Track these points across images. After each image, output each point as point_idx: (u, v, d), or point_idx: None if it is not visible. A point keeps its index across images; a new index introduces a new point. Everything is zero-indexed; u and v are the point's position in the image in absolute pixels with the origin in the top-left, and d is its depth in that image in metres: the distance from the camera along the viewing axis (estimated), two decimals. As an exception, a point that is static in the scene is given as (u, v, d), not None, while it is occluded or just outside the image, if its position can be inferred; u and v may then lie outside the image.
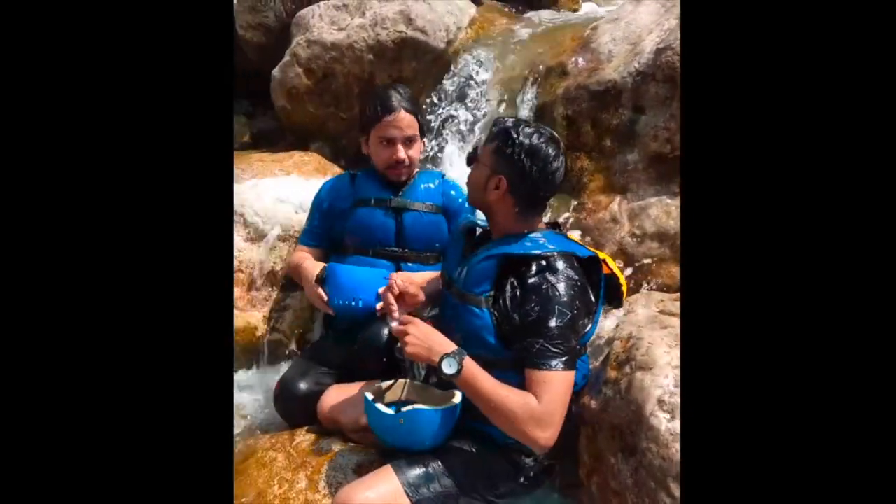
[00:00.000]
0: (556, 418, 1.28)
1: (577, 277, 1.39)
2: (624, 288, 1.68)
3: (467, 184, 1.52)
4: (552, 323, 1.31)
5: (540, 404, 1.27)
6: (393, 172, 1.88)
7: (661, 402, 1.31)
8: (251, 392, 2.09)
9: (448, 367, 1.32)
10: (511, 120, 1.46)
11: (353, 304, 1.72)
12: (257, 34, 2.92)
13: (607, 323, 1.72)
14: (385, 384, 1.56)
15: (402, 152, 1.84)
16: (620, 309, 1.77)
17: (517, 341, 1.35)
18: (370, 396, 1.47)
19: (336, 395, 1.74)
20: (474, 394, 1.32)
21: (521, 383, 1.32)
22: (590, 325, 1.46)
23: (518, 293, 1.36)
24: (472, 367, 1.32)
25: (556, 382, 1.29)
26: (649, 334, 1.47)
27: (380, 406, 1.44)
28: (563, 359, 1.31)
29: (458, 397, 1.43)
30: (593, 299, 1.46)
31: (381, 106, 1.83)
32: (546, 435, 1.27)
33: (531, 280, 1.35)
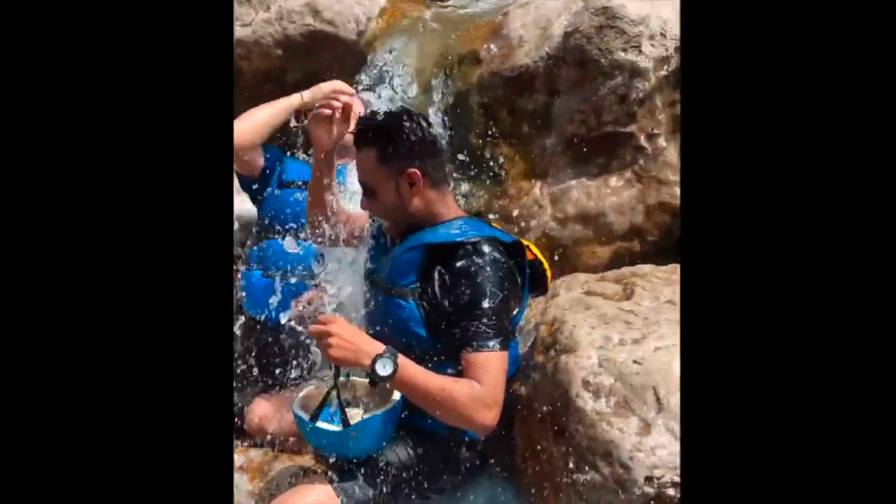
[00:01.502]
0: (499, 398, 1.29)
1: (503, 260, 1.39)
2: (549, 273, 1.69)
3: (379, 214, 1.48)
4: (485, 304, 1.31)
5: (483, 387, 1.27)
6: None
7: (585, 382, 1.31)
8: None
9: (383, 369, 1.23)
10: (362, 124, 1.41)
11: (266, 315, 1.70)
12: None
13: (535, 307, 1.72)
14: (310, 391, 1.47)
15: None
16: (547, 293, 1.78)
17: (450, 328, 1.34)
18: (304, 416, 1.36)
19: (264, 406, 1.68)
20: (413, 391, 1.27)
21: (456, 374, 1.31)
22: (517, 309, 1.46)
23: (447, 279, 1.35)
24: (407, 364, 1.27)
25: (495, 362, 1.30)
26: (573, 317, 1.48)
27: (323, 425, 1.35)
28: (499, 339, 1.31)
29: (396, 393, 1.38)
30: (520, 283, 1.46)
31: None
32: (491, 415, 1.28)
33: (459, 264, 1.34)
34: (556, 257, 1.97)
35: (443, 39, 2.33)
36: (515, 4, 2.24)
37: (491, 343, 1.29)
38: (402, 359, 1.27)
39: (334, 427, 1.34)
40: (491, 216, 2.02)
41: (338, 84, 1.93)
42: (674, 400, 1.22)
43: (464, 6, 2.72)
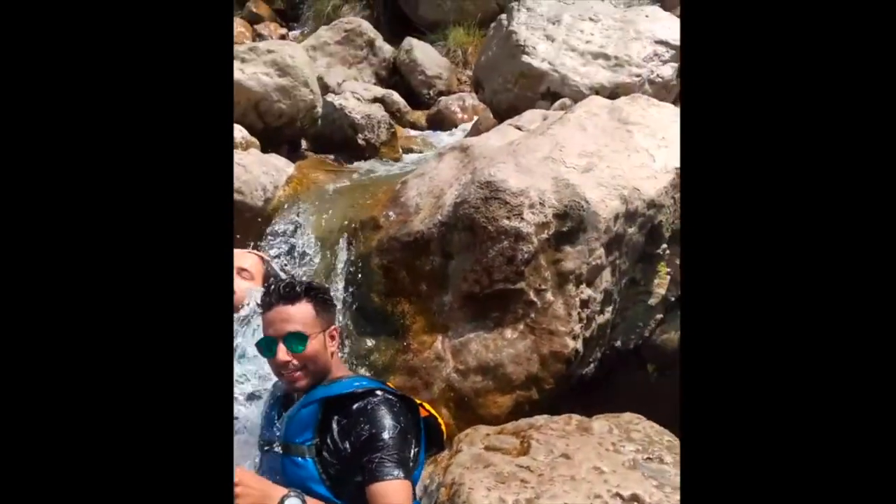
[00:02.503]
0: None
1: (397, 401, 1.46)
2: (443, 428, 1.73)
3: (306, 361, 1.48)
4: (385, 435, 1.37)
5: None
6: None
7: (483, 551, 1.32)
8: None
9: None
10: (281, 282, 1.57)
11: None
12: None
13: (439, 464, 1.73)
14: None
15: None
16: (452, 448, 1.80)
17: (351, 475, 1.37)
18: None
19: None
20: None
21: None
22: (415, 464, 1.47)
23: (345, 423, 1.41)
24: (312, 502, 1.31)
25: (400, 491, 1.33)
26: (470, 477, 1.50)
27: None
28: (402, 468, 1.35)
29: None
30: (413, 434, 1.48)
31: None
32: None
33: (356, 407, 1.42)
34: (459, 409, 2.02)
35: (346, 205, 2.51)
36: (412, 174, 2.48)
37: (395, 472, 1.33)
38: (309, 499, 1.30)
39: None
40: (393, 372, 2.08)
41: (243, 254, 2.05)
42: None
43: (370, 172, 2.97)
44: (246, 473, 1.32)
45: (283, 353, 1.46)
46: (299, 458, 1.42)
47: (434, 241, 2.13)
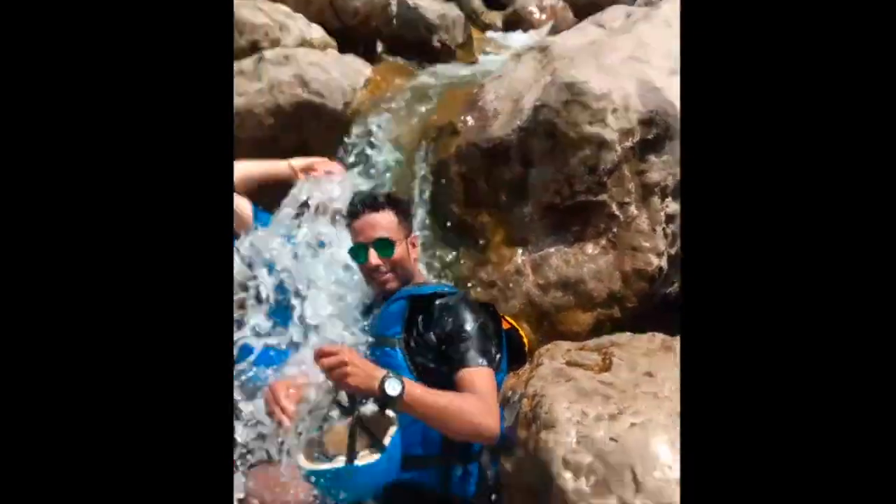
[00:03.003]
0: (496, 409, 1.40)
1: (479, 305, 1.56)
2: (526, 341, 1.72)
3: (393, 264, 1.63)
4: (468, 326, 1.47)
5: (480, 397, 1.37)
6: None
7: (565, 461, 1.32)
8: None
9: (392, 389, 1.27)
10: (365, 193, 1.73)
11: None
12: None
13: (520, 377, 1.73)
14: (307, 442, 1.39)
15: None
16: (532, 362, 1.80)
17: (436, 361, 1.46)
18: (331, 464, 1.31)
19: (262, 479, 1.66)
20: (421, 407, 1.31)
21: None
22: (499, 362, 1.52)
23: (430, 317, 1.52)
24: (410, 383, 1.33)
25: (485, 376, 1.41)
26: (552, 390, 1.49)
27: (362, 461, 1.29)
28: (486, 358, 1.44)
29: (392, 429, 1.35)
30: (496, 340, 1.56)
31: None
32: (494, 424, 1.36)
33: (439, 303, 1.53)
34: (539, 324, 2.00)
35: (425, 109, 2.42)
36: (490, 77, 2.34)
37: (479, 360, 1.42)
38: (405, 379, 1.31)
39: (374, 456, 1.30)
40: (473, 283, 2.07)
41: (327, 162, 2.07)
42: (650, 480, 1.23)
43: (449, 75, 2.83)
44: (353, 353, 1.32)
45: (373, 257, 1.61)
46: (389, 349, 1.52)
47: (513, 147, 2.03)
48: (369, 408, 1.37)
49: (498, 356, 1.53)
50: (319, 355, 1.28)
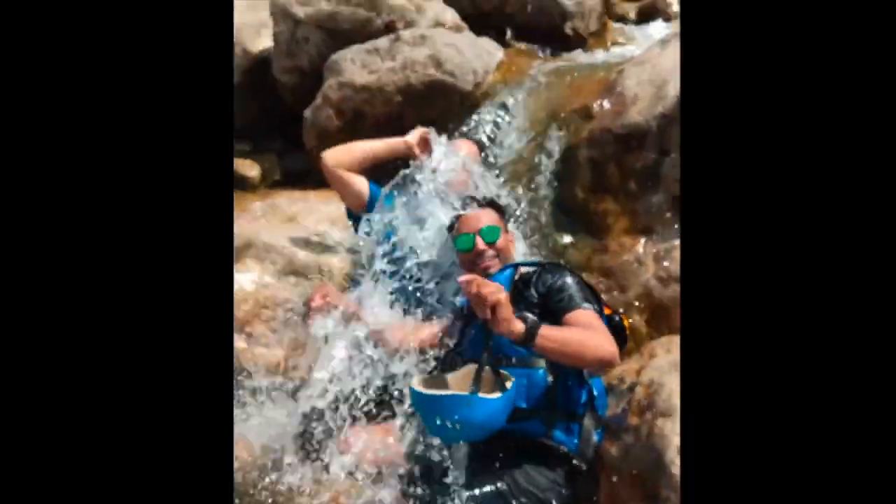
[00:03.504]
0: (611, 337, 1.46)
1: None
2: (626, 323, 1.69)
3: (502, 249, 1.75)
4: (569, 279, 1.57)
5: (595, 329, 1.45)
6: None
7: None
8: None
9: (532, 325, 1.36)
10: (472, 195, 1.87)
11: None
12: (292, 77, 3.03)
13: (630, 367, 1.69)
14: (424, 379, 1.52)
15: None
16: (643, 353, 1.75)
17: (542, 316, 1.47)
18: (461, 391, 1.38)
19: (356, 437, 1.74)
20: (553, 342, 1.37)
21: (548, 385, 1.49)
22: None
23: (534, 279, 1.62)
24: (542, 325, 1.39)
25: (592, 315, 1.49)
26: (671, 380, 1.44)
27: (486, 395, 1.36)
28: (590, 303, 1.52)
29: (510, 382, 1.41)
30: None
31: None
32: (615, 350, 1.42)
33: (540, 269, 1.65)
34: (654, 317, 1.93)
35: (556, 94, 2.40)
36: (631, 62, 2.28)
37: (585, 304, 1.50)
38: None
39: (495, 394, 1.36)
40: (589, 273, 2.03)
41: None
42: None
43: (581, 61, 2.79)
44: (496, 286, 1.38)
45: (480, 243, 1.73)
46: None
47: (651, 134, 1.97)
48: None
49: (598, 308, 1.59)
50: (476, 285, 1.33)
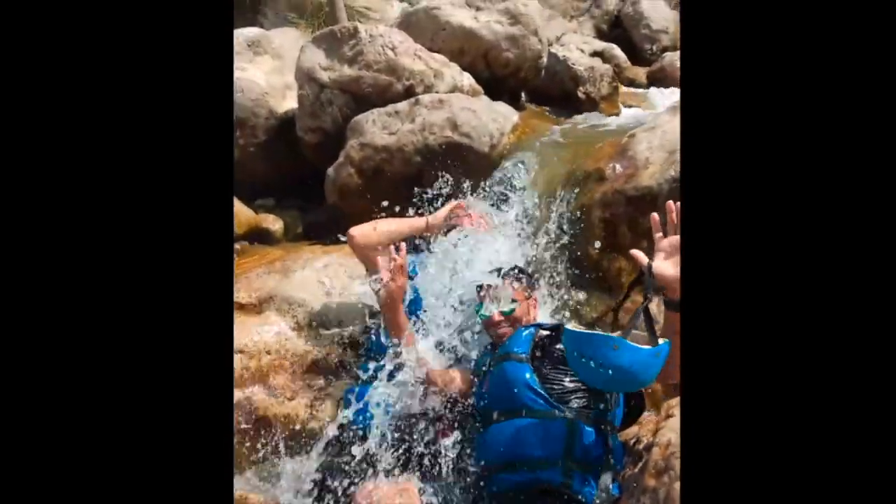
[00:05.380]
0: None
1: None
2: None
3: (517, 320, 1.86)
4: None
5: None
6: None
7: (700, 514, 1.27)
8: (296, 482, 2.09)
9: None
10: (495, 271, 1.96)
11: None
12: (315, 136, 3.16)
13: (647, 427, 1.70)
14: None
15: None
16: (661, 411, 1.76)
17: (559, 373, 1.65)
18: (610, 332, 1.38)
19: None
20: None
21: (567, 435, 1.57)
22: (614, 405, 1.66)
23: (554, 336, 1.73)
24: None
25: None
26: (688, 441, 1.45)
27: (633, 342, 1.31)
28: None
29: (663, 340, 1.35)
30: None
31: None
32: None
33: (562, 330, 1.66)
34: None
35: (569, 156, 2.49)
36: (642, 128, 2.37)
37: None
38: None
39: (644, 345, 1.32)
40: (602, 330, 2.06)
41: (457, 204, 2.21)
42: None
43: (591, 125, 2.90)
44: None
45: (496, 315, 1.86)
46: (517, 363, 1.69)
47: (662, 197, 2.03)
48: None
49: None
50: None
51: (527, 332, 1.79)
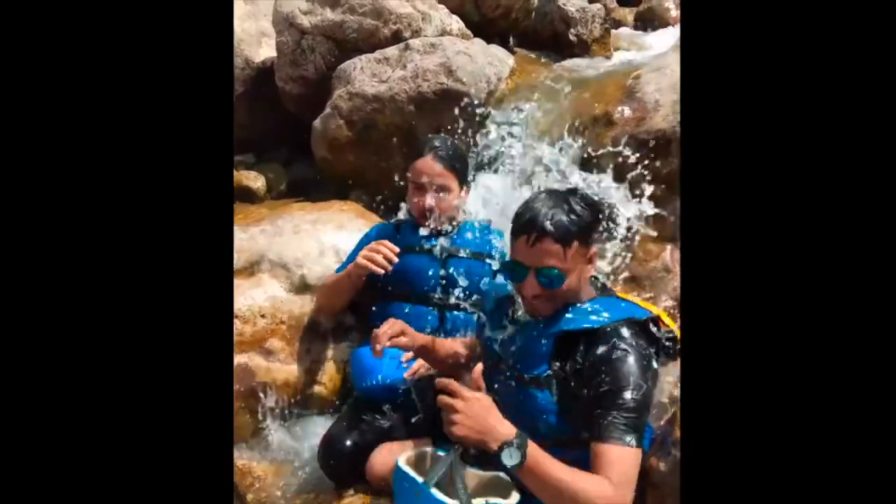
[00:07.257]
0: (629, 500, 1.19)
1: (645, 345, 1.32)
2: (678, 334, 1.62)
3: (562, 296, 1.35)
4: (627, 395, 1.23)
5: (615, 486, 1.16)
6: (420, 220, 1.91)
7: (743, 467, 1.24)
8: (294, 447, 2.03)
9: (509, 459, 1.14)
10: (541, 197, 1.34)
11: (377, 382, 1.77)
12: (297, 86, 2.97)
13: (670, 380, 1.65)
14: (424, 452, 1.37)
15: (428, 199, 1.85)
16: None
17: (583, 416, 1.26)
18: (416, 476, 1.23)
19: (387, 454, 1.68)
20: (541, 482, 1.17)
21: (581, 458, 1.23)
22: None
23: (586, 365, 1.28)
24: (536, 453, 1.17)
25: (630, 460, 1.20)
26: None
27: (438, 495, 1.18)
28: (637, 434, 1.22)
29: (514, 497, 1.25)
30: (656, 365, 1.36)
31: (417, 152, 1.93)
32: None
33: (599, 351, 1.28)
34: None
35: (571, 100, 2.37)
36: (647, 68, 2.26)
37: (627, 438, 1.20)
38: (531, 448, 1.17)
39: (451, 501, 1.17)
40: (616, 280, 2.00)
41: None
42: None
43: (588, 67, 2.77)
44: (475, 404, 1.17)
45: (531, 287, 1.33)
46: (538, 392, 1.34)
47: (675, 140, 1.95)
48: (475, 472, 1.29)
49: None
50: (440, 387, 1.18)
51: (547, 341, 1.35)
